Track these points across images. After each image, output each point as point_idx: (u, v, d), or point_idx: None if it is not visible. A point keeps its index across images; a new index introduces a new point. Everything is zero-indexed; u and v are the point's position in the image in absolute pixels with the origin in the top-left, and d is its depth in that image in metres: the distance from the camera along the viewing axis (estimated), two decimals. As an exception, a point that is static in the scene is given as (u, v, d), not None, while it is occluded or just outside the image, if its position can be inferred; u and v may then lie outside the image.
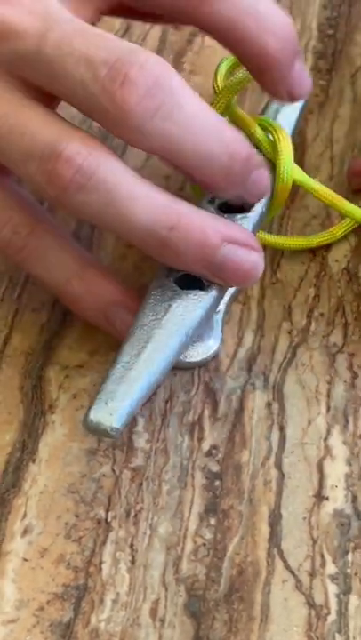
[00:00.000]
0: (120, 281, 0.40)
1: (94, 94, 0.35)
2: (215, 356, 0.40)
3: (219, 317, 0.41)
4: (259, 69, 0.39)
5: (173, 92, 0.35)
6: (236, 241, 0.37)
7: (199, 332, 0.38)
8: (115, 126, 0.36)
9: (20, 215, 0.39)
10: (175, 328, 0.37)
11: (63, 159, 0.35)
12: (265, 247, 0.43)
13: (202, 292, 0.38)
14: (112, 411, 0.35)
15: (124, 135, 0.36)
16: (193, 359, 0.40)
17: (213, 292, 0.38)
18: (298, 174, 0.41)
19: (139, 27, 0.53)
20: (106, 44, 0.36)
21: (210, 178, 0.37)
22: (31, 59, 0.36)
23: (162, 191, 0.37)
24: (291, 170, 0.41)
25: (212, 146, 0.36)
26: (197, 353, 0.40)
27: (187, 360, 0.40)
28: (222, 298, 0.39)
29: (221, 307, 0.41)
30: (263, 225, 0.41)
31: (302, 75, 0.39)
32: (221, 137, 0.37)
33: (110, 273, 0.40)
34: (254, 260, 0.38)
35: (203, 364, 0.40)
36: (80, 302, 0.39)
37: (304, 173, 0.42)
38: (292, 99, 0.40)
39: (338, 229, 0.43)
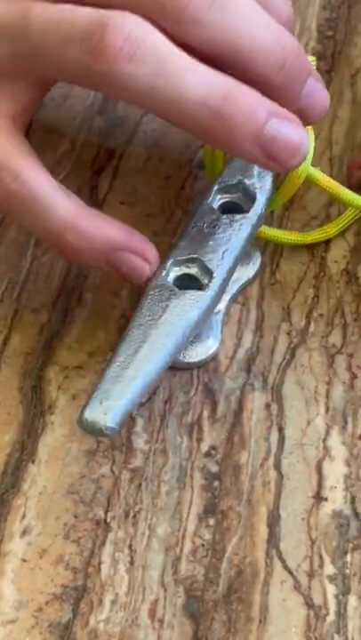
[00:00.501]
0: (118, 223, 0.39)
1: None
2: (214, 357, 0.40)
3: (218, 318, 0.41)
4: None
5: None
6: (283, 115, 0.36)
7: (197, 332, 0.38)
8: (173, 21, 0.35)
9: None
10: (172, 328, 0.37)
11: (110, 29, 0.34)
12: (262, 242, 0.43)
13: (200, 292, 0.38)
14: (107, 410, 0.35)
15: (182, 30, 0.35)
16: (192, 359, 0.40)
17: (211, 293, 0.38)
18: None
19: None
20: None
21: (266, 70, 0.36)
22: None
23: (204, 65, 0.36)
24: (307, 162, 0.41)
25: (265, 36, 0.36)
26: (196, 353, 0.40)
27: (185, 360, 0.40)
28: (220, 298, 0.39)
29: (221, 307, 0.41)
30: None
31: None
32: (272, 28, 0.36)
33: (106, 218, 0.39)
34: (301, 134, 0.36)
35: (201, 365, 0.40)
36: (79, 255, 0.38)
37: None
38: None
39: (332, 228, 0.44)
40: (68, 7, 0.36)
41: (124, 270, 0.39)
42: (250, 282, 0.42)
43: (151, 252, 0.39)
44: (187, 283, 0.38)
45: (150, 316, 0.37)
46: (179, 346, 0.37)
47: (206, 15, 0.35)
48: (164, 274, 0.38)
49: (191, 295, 0.38)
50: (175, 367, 0.39)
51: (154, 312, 0.37)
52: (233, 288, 0.41)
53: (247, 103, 0.35)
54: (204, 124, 0.35)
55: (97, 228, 0.38)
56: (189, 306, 0.37)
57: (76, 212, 0.38)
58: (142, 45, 0.34)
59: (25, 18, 0.36)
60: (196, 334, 0.38)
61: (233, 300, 0.42)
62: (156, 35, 0.35)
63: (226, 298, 0.41)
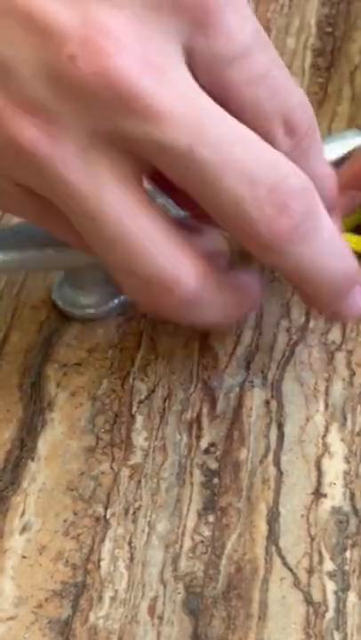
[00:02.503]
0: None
1: (250, 216, 0.33)
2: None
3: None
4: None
5: (318, 219, 0.35)
6: None
7: None
8: (259, 247, 0.34)
9: None
10: None
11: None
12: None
13: None
14: None
15: (260, 252, 0.35)
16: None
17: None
18: None
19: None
20: (265, 157, 0.34)
21: (319, 293, 0.37)
22: (177, 154, 0.32)
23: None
24: None
25: (335, 270, 0.36)
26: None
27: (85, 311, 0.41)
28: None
29: None
30: None
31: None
32: (345, 262, 0.36)
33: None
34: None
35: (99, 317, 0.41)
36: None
37: None
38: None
39: None
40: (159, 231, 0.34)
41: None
42: None
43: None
44: None
45: None
46: None
47: (290, 246, 0.34)
48: None
49: None
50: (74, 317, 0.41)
51: None
52: None
53: None
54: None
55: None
56: None
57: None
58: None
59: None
60: None
61: None
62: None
63: None
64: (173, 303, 0.35)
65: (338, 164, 0.42)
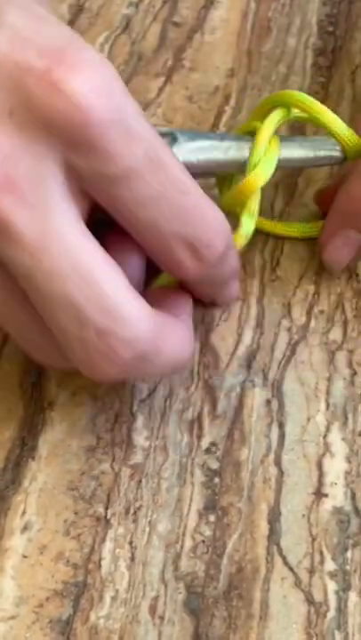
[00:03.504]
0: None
1: (75, 352, 0.34)
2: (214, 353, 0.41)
3: None
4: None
5: (152, 362, 0.35)
6: None
7: None
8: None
9: None
10: None
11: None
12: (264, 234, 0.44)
13: None
14: None
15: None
16: None
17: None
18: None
19: (138, 23, 0.53)
20: (103, 298, 0.33)
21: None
22: (21, 274, 0.33)
23: None
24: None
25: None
26: None
27: None
28: None
29: None
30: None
31: (230, 289, 0.40)
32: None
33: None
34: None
35: None
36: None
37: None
38: (213, 305, 0.41)
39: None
40: None
41: None
42: None
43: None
44: None
45: None
46: None
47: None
48: None
49: None
50: None
51: None
52: None
53: None
54: None
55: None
56: None
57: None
58: None
59: None
60: None
61: None
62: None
63: None
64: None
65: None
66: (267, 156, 0.40)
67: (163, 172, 0.33)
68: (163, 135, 0.40)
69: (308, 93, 0.42)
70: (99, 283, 0.33)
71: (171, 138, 0.41)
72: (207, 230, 0.35)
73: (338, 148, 0.42)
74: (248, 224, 0.41)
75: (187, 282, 0.38)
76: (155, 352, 0.34)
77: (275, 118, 0.41)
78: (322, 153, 0.42)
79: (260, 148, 0.40)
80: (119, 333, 0.33)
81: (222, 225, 0.35)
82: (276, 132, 0.41)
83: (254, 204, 0.40)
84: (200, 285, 0.39)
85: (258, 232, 0.43)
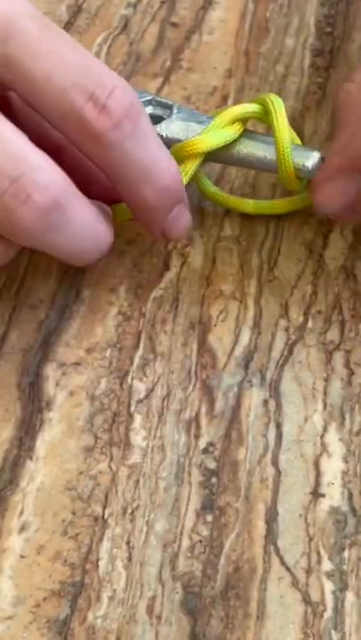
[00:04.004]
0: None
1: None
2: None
3: None
4: (137, 212, 0.40)
5: (65, 211, 0.37)
6: None
7: None
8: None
9: None
10: None
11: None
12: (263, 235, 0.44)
13: None
14: None
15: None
16: None
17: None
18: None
19: (136, 23, 0.53)
20: (10, 150, 0.36)
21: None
22: None
23: None
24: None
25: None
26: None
27: None
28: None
29: None
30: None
31: (179, 219, 0.41)
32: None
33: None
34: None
35: None
36: None
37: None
38: (166, 239, 0.42)
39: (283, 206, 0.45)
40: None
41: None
42: None
43: None
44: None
45: None
46: None
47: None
48: None
49: None
50: None
51: None
52: None
53: None
54: None
55: None
56: None
57: None
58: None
59: None
60: None
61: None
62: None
63: None
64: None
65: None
66: (219, 131, 0.42)
67: (50, 29, 0.37)
68: (164, 106, 0.44)
69: (306, 94, 0.42)
70: (7, 138, 0.36)
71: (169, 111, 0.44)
72: (106, 80, 0.37)
73: (303, 163, 0.42)
74: None
75: (106, 160, 0.38)
76: (65, 217, 0.37)
77: (248, 108, 0.43)
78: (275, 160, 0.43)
79: (218, 121, 0.42)
80: (29, 176, 0.36)
81: (123, 80, 0.38)
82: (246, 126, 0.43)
83: (190, 166, 0.42)
84: (143, 204, 0.40)
85: (254, 230, 0.43)
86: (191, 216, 0.41)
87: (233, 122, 0.43)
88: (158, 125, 0.43)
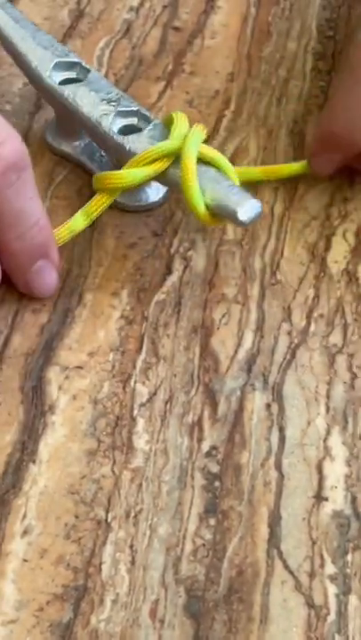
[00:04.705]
0: None
1: None
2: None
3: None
4: (3, 258, 0.41)
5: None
6: None
7: None
8: None
9: None
10: None
11: None
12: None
13: None
14: None
15: None
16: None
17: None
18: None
19: (138, 28, 0.53)
20: None
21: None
22: None
23: None
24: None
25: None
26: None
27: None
28: None
29: None
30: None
31: (42, 274, 0.42)
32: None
33: None
34: None
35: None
36: None
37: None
38: (31, 294, 0.43)
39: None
40: None
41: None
42: None
43: None
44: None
45: None
46: None
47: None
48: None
49: None
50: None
51: None
52: None
53: None
54: None
55: None
56: None
57: None
58: None
59: None
60: None
61: None
62: None
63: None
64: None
65: None
66: (145, 168, 0.42)
67: None
68: (145, 119, 0.44)
69: (309, 97, 0.42)
70: None
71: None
72: (1, 131, 0.39)
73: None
74: (78, 222, 0.43)
75: None
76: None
77: (166, 148, 0.42)
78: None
79: (142, 157, 0.42)
80: None
81: (17, 135, 0.40)
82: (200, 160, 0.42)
83: (95, 206, 0.43)
84: (7, 250, 0.41)
85: (257, 233, 0.43)
86: (58, 277, 0.42)
87: (154, 160, 0.42)
88: (126, 137, 0.43)
